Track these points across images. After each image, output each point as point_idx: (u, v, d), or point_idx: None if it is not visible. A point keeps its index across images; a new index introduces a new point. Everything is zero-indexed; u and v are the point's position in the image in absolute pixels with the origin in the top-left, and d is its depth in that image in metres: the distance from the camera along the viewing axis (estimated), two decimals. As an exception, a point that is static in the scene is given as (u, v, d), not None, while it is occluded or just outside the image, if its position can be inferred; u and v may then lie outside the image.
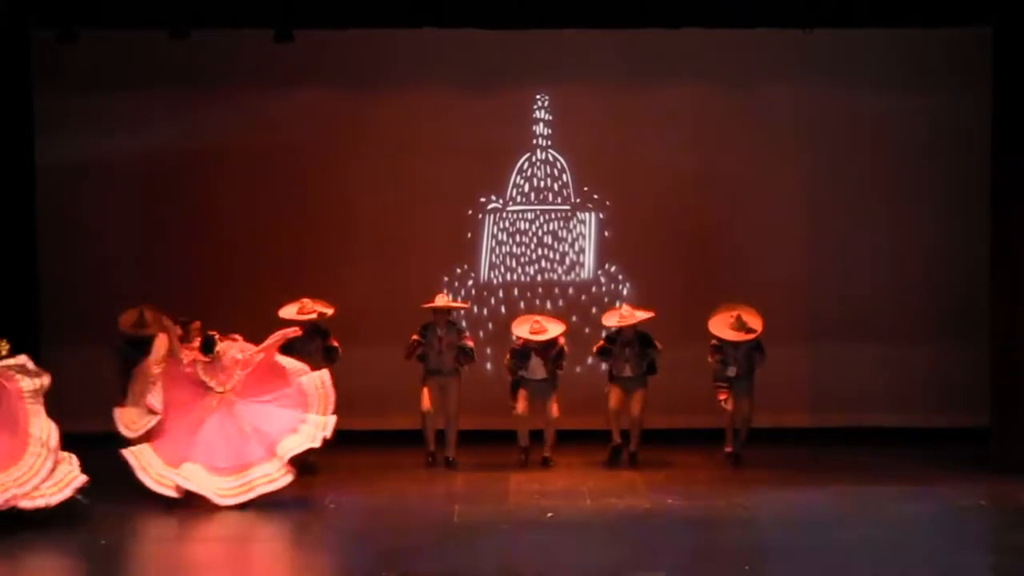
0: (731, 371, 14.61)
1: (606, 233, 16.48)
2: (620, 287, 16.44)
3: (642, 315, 14.67)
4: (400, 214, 16.20)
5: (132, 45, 15.53)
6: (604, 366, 15.08)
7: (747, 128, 16.23)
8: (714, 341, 14.64)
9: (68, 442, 12.31)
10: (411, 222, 16.20)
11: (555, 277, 16.49)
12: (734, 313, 14.64)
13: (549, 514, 12.35)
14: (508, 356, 14.77)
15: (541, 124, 16.43)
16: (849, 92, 16.13)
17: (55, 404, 15.63)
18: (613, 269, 16.48)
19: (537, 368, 14.65)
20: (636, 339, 14.71)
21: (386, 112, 16.21)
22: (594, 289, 16.48)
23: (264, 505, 12.70)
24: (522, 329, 14.70)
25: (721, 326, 14.63)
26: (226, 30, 15.06)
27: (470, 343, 14.84)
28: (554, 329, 14.71)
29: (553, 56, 16.02)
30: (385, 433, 15.06)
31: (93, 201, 16.10)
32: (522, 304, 16.31)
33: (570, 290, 16.48)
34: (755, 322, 14.64)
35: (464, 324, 15.56)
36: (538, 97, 16.40)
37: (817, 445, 15.36)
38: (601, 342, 14.96)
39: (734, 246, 16.24)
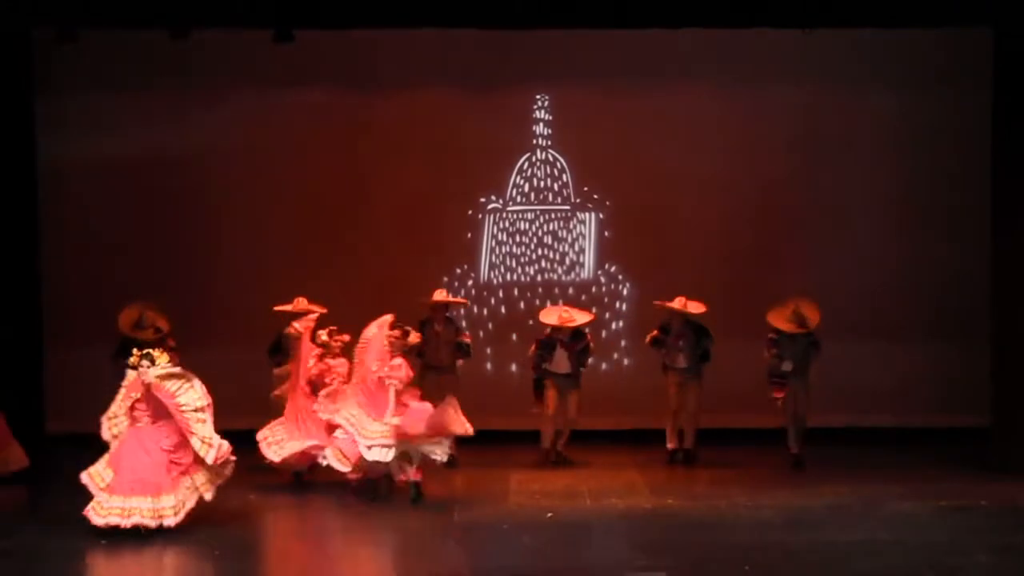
0: (787, 366, 14.53)
1: (606, 233, 16.48)
2: (620, 287, 16.45)
3: (696, 308, 14.66)
4: (400, 214, 16.19)
5: (132, 45, 15.51)
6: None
7: (747, 128, 16.22)
8: (771, 335, 14.54)
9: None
10: (411, 222, 16.19)
11: (555, 277, 16.49)
12: (791, 305, 14.54)
13: (549, 514, 12.35)
14: (534, 347, 14.73)
15: (541, 124, 16.43)
16: (849, 92, 16.13)
17: (57, 404, 15.70)
18: (613, 269, 16.48)
19: (561, 361, 14.61)
20: (689, 329, 14.73)
21: (386, 112, 16.21)
22: (594, 289, 16.48)
23: (264, 506, 12.70)
24: (551, 317, 14.68)
25: (779, 319, 14.52)
26: (226, 30, 15.06)
27: (467, 339, 14.84)
28: (582, 317, 14.71)
29: (553, 56, 16.02)
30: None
31: (94, 201, 16.09)
32: (522, 304, 16.31)
33: (570, 290, 16.46)
34: (812, 314, 14.56)
35: (464, 324, 15.56)
36: (538, 97, 16.40)
37: (817, 445, 15.33)
38: (655, 332, 14.94)
39: (733, 246, 16.23)
